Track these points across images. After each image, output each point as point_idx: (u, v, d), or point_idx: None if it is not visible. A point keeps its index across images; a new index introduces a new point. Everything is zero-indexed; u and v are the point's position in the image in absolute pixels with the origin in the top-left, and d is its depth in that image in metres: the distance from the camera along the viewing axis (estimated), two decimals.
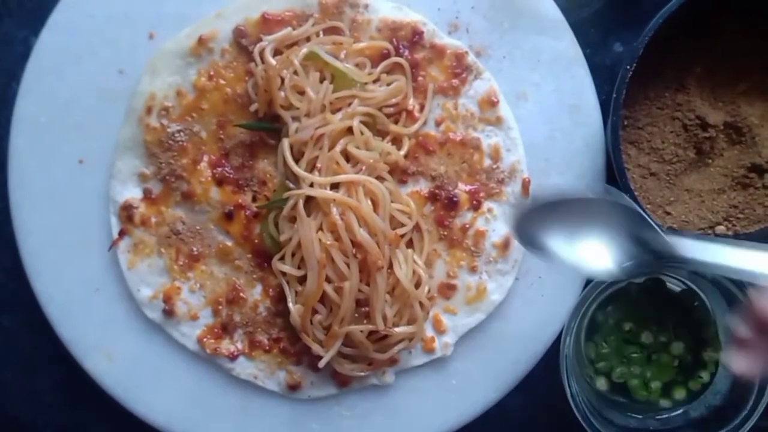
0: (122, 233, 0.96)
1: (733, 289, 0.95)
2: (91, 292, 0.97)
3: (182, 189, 0.96)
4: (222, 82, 0.95)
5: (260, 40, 0.94)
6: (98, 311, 0.97)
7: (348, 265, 0.89)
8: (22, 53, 1.00)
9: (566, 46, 0.97)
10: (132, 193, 0.96)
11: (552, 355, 0.97)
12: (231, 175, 0.96)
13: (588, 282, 0.97)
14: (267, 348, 0.97)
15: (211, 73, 0.95)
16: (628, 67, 0.84)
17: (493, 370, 0.98)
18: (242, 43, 0.95)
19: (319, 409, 0.98)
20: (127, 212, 0.96)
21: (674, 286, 1.01)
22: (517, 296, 0.98)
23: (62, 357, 0.98)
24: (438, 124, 0.97)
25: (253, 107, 0.95)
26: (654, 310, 1.00)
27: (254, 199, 0.96)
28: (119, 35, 0.97)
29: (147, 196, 0.96)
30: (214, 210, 0.96)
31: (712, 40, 0.92)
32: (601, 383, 1.00)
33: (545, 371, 0.98)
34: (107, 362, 0.97)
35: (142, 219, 0.96)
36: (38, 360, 1.04)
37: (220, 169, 0.96)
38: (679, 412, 1.01)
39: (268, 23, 0.95)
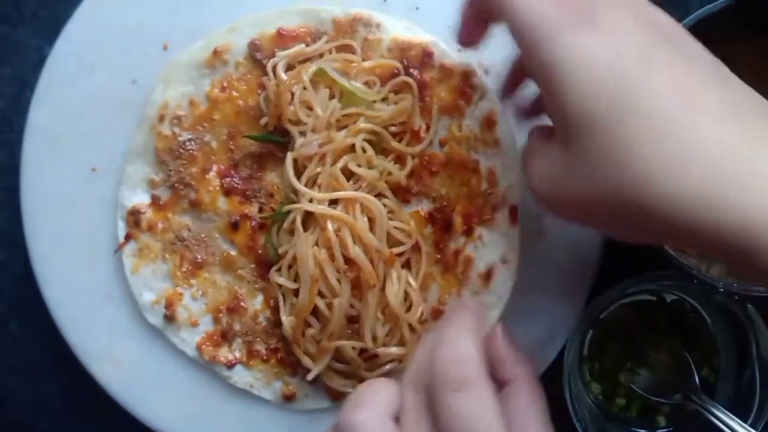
0: (128, 237, 0.98)
1: (734, 308, 0.94)
2: (99, 297, 0.99)
3: (190, 197, 0.97)
4: (235, 94, 0.97)
5: (274, 54, 0.95)
6: (106, 317, 0.99)
7: (340, 282, 0.90)
8: (35, 62, 1.02)
9: None
10: (140, 198, 0.98)
11: (554, 372, 0.96)
12: (239, 186, 0.97)
13: (590, 299, 0.96)
14: (265, 358, 0.97)
15: (225, 84, 0.97)
16: None
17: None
18: (257, 56, 0.96)
19: (315, 420, 0.99)
20: (134, 217, 0.98)
21: (671, 295, 1.01)
22: (519, 313, 0.96)
23: (67, 363, 0.99)
24: (442, 144, 0.96)
25: (263, 120, 0.96)
26: (656, 328, 0.99)
27: (260, 211, 0.97)
28: (133, 46, 0.99)
29: (155, 202, 0.98)
30: (221, 219, 0.97)
31: (728, 64, 0.91)
32: (603, 400, 1.00)
33: (547, 389, 0.97)
34: (114, 368, 0.99)
35: (148, 224, 0.98)
36: (43, 366, 1.07)
37: (228, 179, 0.97)
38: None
39: (283, 38, 0.96)
